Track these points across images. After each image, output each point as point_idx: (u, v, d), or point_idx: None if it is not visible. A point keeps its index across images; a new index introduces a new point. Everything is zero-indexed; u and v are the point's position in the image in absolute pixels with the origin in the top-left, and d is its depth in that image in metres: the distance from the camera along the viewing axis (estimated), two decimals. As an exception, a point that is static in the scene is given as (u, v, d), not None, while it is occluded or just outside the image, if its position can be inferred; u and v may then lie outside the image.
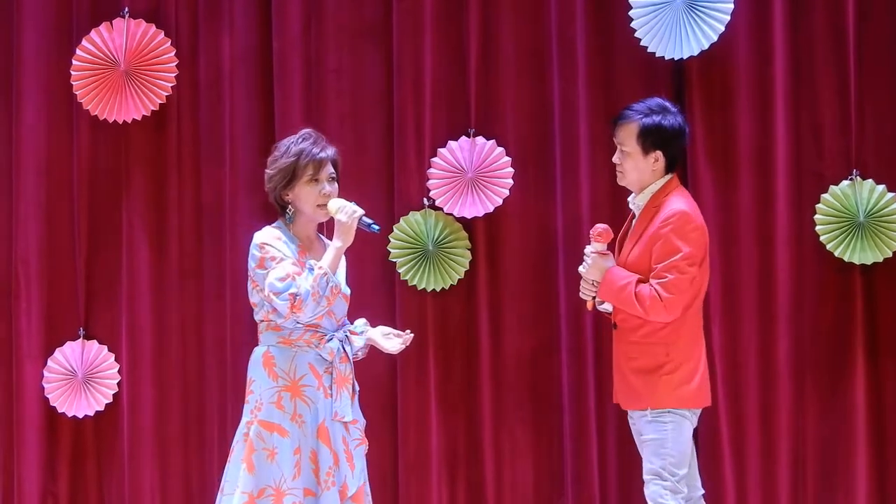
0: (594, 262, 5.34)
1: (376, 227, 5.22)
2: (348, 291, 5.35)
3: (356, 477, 5.23)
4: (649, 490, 5.26)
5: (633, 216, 5.43)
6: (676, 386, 5.27)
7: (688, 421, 5.29)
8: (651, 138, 5.31)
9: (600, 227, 5.36)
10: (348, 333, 5.31)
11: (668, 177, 5.36)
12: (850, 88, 6.06)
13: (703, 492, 5.44)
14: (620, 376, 5.37)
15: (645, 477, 5.28)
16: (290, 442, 5.21)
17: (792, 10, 6.13)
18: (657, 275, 5.22)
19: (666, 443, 5.24)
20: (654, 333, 5.27)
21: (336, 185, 5.30)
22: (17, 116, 6.63)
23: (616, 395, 5.42)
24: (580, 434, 6.26)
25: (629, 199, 5.45)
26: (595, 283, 5.35)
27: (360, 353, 5.36)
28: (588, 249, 5.37)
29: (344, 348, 5.26)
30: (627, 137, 5.33)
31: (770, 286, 6.12)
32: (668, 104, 5.41)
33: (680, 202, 5.32)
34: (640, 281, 5.26)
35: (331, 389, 5.23)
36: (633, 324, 5.30)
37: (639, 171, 5.33)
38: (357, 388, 5.30)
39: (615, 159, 5.37)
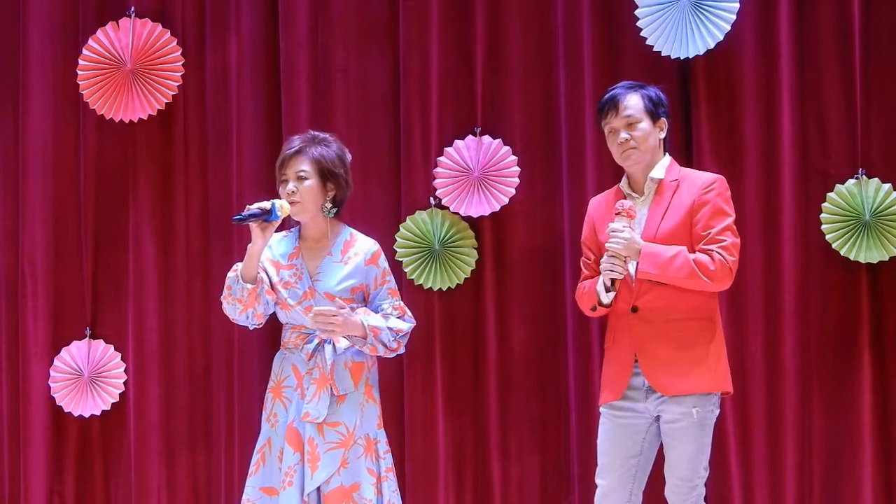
0: (631, 237, 5.10)
1: (239, 217, 5.20)
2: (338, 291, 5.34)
3: (316, 479, 5.20)
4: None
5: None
6: (724, 369, 5.18)
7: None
8: (655, 106, 5.28)
9: (627, 202, 5.22)
10: None
11: (669, 157, 5.33)
12: (855, 87, 6.06)
13: None
14: (654, 362, 5.13)
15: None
16: (259, 440, 5.31)
17: (798, 10, 6.13)
18: (713, 239, 5.07)
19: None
20: (700, 307, 5.11)
21: (309, 182, 5.28)
22: (24, 116, 6.64)
23: (652, 381, 5.15)
24: (587, 432, 6.24)
25: (622, 184, 5.34)
26: (628, 260, 5.12)
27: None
28: (617, 225, 5.15)
29: (324, 349, 5.26)
30: (635, 108, 5.24)
31: (776, 284, 6.12)
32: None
33: (708, 173, 5.29)
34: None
35: (307, 391, 5.23)
36: (669, 302, 5.11)
37: (650, 142, 5.25)
38: (351, 390, 5.29)
39: (622, 136, 5.24)
